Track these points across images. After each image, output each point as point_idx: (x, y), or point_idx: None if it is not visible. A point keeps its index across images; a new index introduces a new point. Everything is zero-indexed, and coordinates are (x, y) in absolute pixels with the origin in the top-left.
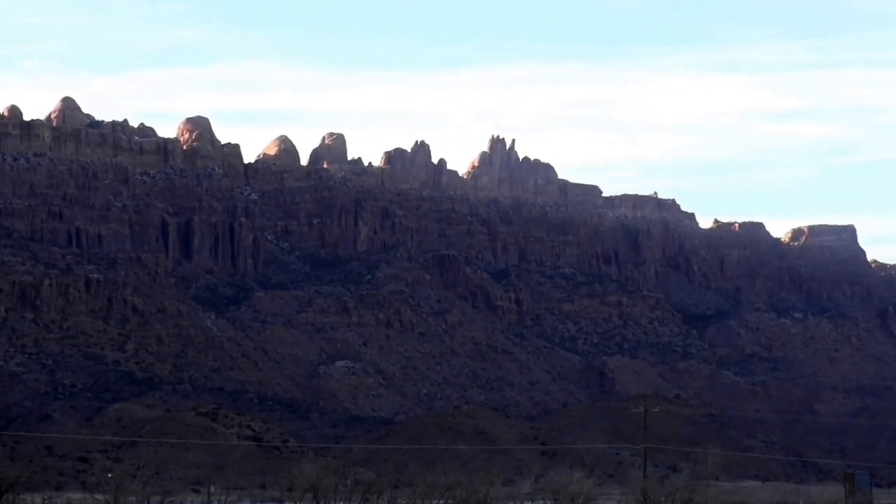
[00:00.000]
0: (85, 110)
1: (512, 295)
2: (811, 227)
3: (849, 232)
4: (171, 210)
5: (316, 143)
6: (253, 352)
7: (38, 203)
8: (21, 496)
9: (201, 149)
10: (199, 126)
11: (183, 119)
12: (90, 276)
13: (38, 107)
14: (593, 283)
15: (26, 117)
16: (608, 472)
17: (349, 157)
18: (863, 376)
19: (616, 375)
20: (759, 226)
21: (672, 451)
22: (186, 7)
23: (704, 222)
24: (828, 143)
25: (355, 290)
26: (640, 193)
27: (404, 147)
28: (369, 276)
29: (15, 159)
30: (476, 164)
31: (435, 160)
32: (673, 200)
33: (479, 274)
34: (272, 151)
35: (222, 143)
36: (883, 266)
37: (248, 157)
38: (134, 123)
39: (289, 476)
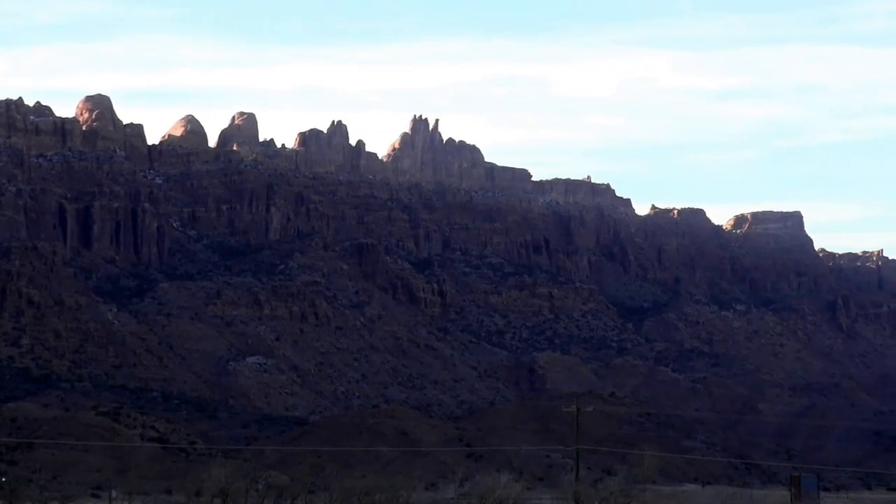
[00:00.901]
0: None
1: (435, 286)
2: (755, 214)
3: (795, 219)
4: (69, 195)
5: (225, 124)
6: (157, 347)
7: None
8: None
9: (102, 129)
10: (99, 105)
11: (82, 97)
12: None
13: None
14: (522, 274)
15: None
16: (538, 475)
17: (261, 139)
18: (810, 373)
19: (547, 372)
20: (700, 212)
21: (606, 453)
22: None
23: (641, 209)
24: (772, 125)
25: (267, 282)
26: (572, 178)
27: (320, 128)
28: (282, 266)
29: None
30: (397, 146)
31: (353, 142)
32: (607, 185)
33: (400, 264)
34: (178, 132)
35: (124, 123)
36: (831, 255)
37: (153, 138)
38: (29, 102)
39: (196, 480)
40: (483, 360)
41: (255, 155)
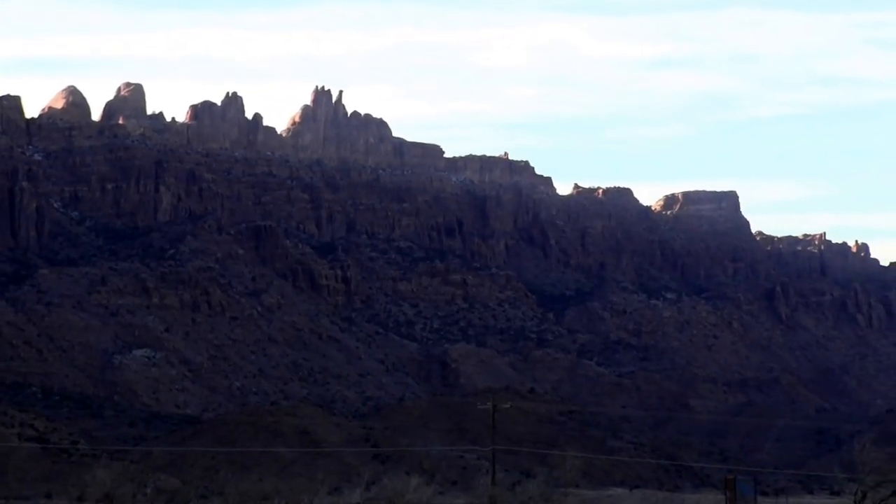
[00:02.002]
0: None
1: (339, 272)
2: (686, 194)
3: (730, 199)
4: None
5: (110, 96)
6: (37, 339)
7: None
8: None
9: None
10: None
11: None
12: None
13: None
14: (433, 259)
15: None
16: (451, 477)
17: (149, 112)
18: (746, 367)
19: (460, 366)
20: (627, 192)
21: (525, 454)
22: None
23: (563, 188)
24: (705, 97)
25: (156, 267)
26: (488, 154)
27: (213, 100)
28: (172, 251)
29: None
30: (297, 119)
31: (249, 115)
32: (526, 163)
33: (301, 248)
34: (59, 105)
35: (0, 94)
36: (770, 239)
37: (31, 111)
38: None
39: (79, 483)
40: (391, 352)
41: (142, 129)
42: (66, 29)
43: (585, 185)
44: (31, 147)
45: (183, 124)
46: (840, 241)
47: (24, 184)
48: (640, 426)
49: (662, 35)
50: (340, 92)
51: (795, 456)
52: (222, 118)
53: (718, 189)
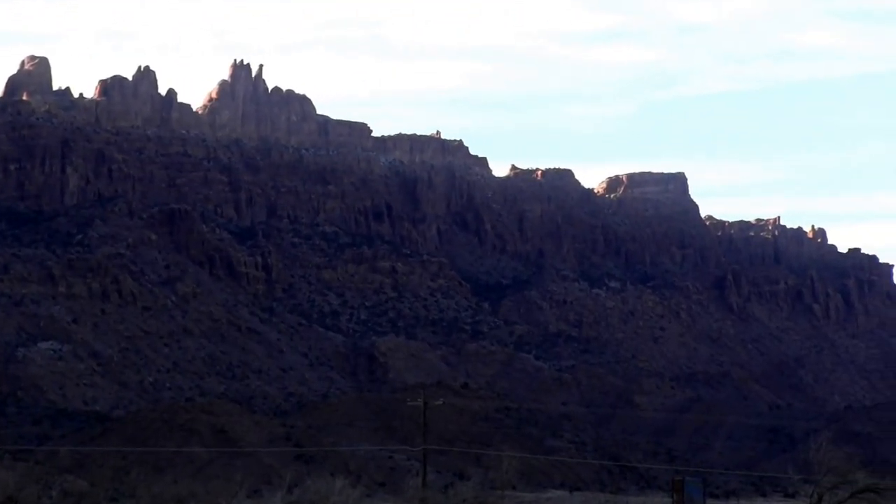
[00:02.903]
0: None
1: (259, 260)
2: (631, 176)
3: (677, 182)
4: None
5: (13, 70)
6: None
7: None
8: None
9: None
10: None
11: None
12: None
13: None
14: (361, 246)
15: None
16: (379, 479)
17: (55, 87)
18: (695, 361)
19: (389, 360)
20: (567, 174)
21: (458, 454)
22: None
23: (499, 169)
24: (651, 73)
25: (63, 254)
26: (418, 133)
27: (124, 75)
28: (80, 237)
29: None
30: (214, 95)
31: (163, 91)
32: (460, 142)
33: (218, 233)
34: None
35: None
36: (720, 224)
37: None
38: None
39: None
40: (315, 345)
41: (48, 106)
42: None
43: (523, 166)
44: None
45: (91, 101)
46: (795, 227)
47: None
48: (582, 424)
49: (604, 7)
50: (261, 66)
51: (747, 456)
52: (134, 94)
53: (665, 171)
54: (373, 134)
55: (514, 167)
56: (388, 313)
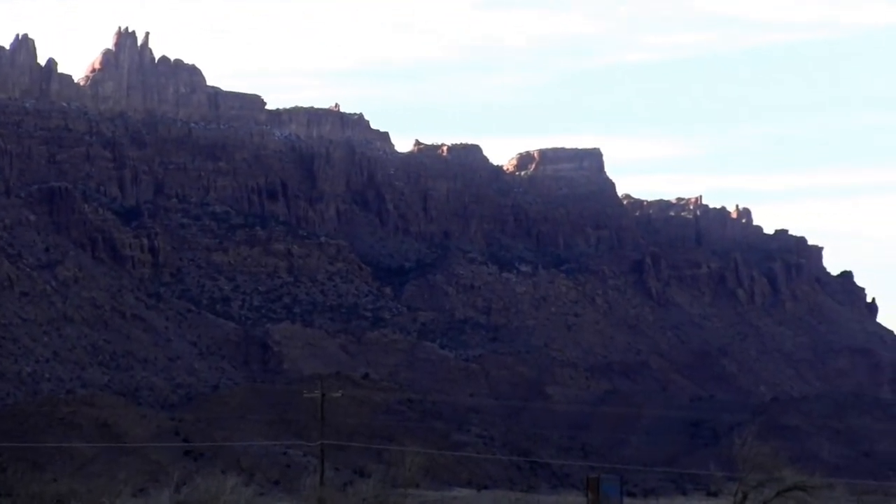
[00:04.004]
0: None
1: (145, 242)
2: (543, 152)
3: (593, 158)
4: None
5: None
6: None
7: None
8: None
9: None
10: None
11: None
12: None
13: None
14: (254, 226)
15: None
16: (273, 476)
17: None
18: (611, 350)
19: (284, 349)
20: (475, 149)
21: (358, 450)
22: None
23: (402, 144)
24: (563, 42)
25: None
26: (316, 106)
27: (0, 43)
28: None
29: None
30: (97, 66)
31: (41, 61)
32: (360, 116)
33: (102, 213)
34: None
35: None
36: (638, 203)
37: None
38: None
39: None
40: (205, 333)
41: None
42: None
43: (427, 141)
44: None
45: None
46: (718, 206)
47: None
48: (490, 418)
49: None
50: (147, 34)
51: (667, 451)
52: (10, 64)
53: (580, 146)
54: (267, 106)
55: (417, 142)
56: (283, 299)
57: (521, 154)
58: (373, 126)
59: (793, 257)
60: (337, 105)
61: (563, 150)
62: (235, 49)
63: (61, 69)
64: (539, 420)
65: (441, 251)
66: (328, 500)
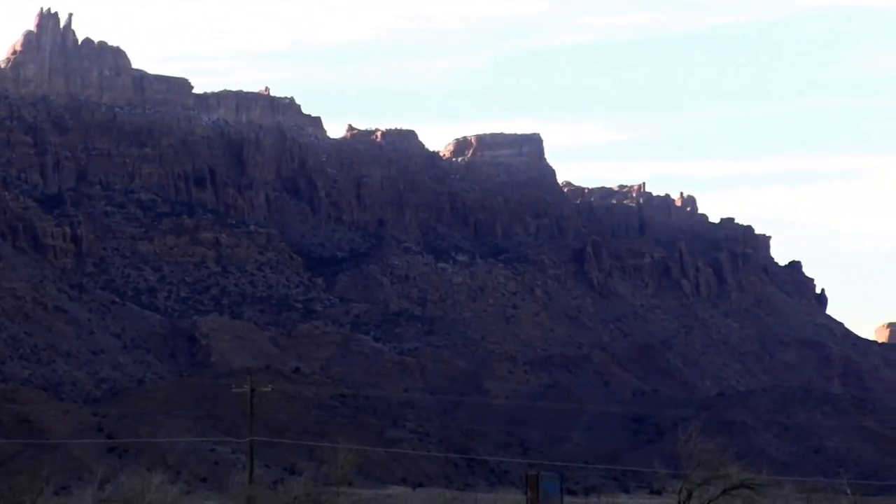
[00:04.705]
0: None
1: (67, 231)
2: (480, 138)
3: (532, 144)
4: None
5: None
6: None
7: None
8: None
9: None
10: None
11: None
12: None
13: None
14: (181, 215)
15: None
16: (200, 474)
17: None
18: (551, 343)
19: (212, 342)
20: (410, 135)
21: (289, 447)
22: None
23: (335, 130)
24: (501, 22)
25: None
26: (245, 90)
27: None
28: None
29: None
30: (18, 48)
31: None
32: (291, 100)
33: (22, 201)
34: None
35: None
36: (579, 191)
37: None
38: None
39: None
40: (130, 325)
41: None
42: None
43: (361, 126)
44: None
45: None
46: (662, 194)
47: None
48: (426, 413)
49: None
50: (70, 15)
51: (609, 448)
52: None
53: (518, 132)
54: (194, 91)
55: (351, 127)
56: (210, 290)
57: (457, 140)
58: (304, 111)
59: (739, 247)
60: (267, 89)
61: (501, 135)
62: (162, 31)
63: None
64: (476, 415)
65: (375, 240)
66: (257, 498)
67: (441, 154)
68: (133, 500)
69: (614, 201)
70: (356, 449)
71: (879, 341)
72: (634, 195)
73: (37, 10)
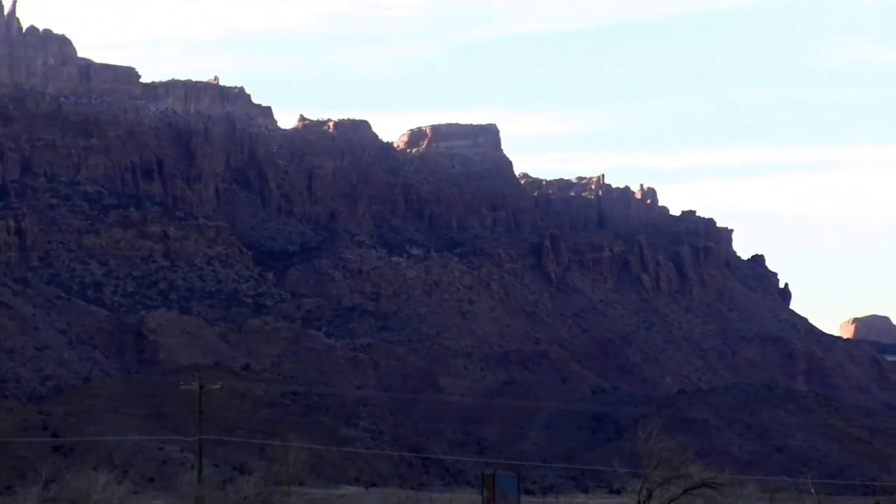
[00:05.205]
0: None
1: (11, 224)
2: (435, 128)
3: (488, 135)
4: None
5: None
6: None
7: None
8: None
9: None
10: None
11: None
12: None
13: None
14: (128, 207)
15: None
16: (148, 473)
17: None
18: (508, 339)
19: (159, 338)
20: (363, 125)
21: (239, 445)
22: None
23: (286, 120)
24: (456, 10)
25: None
26: (194, 79)
27: None
28: None
29: None
30: None
31: None
32: (241, 89)
33: None
34: None
35: None
36: (537, 182)
37: None
38: None
39: None
40: (75, 321)
41: None
42: None
43: (313, 116)
44: None
45: None
46: (622, 186)
47: None
48: (380, 411)
49: None
50: (14, 2)
51: (567, 446)
52: None
53: (474, 122)
54: (142, 80)
55: (302, 118)
56: (158, 284)
57: (412, 130)
58: (254, 100)
59: (701, 240)
60: (216, 78)
61: (456, 125)
62: (108, 18)
63: None
64: (431, 413)
65: (327, 234)
66: (206, 498)
67: (395, 145)
68: (79, 500)
69: (572, 193)
70: (308, 448)
71: (844, 337)
72: (593, 187)
73: None
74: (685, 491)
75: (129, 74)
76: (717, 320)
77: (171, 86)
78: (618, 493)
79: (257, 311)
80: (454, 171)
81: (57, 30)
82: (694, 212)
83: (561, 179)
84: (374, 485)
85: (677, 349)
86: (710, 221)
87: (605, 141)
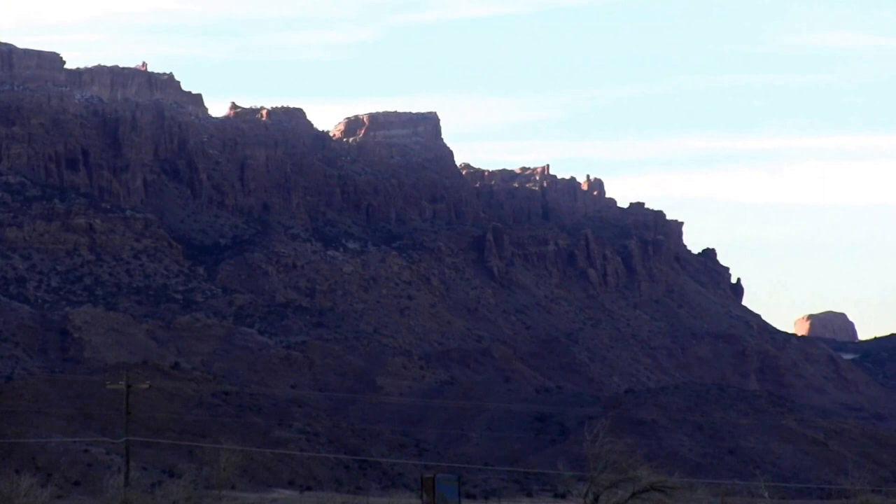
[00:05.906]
0: None
1: None
2: (373, 116)
3: (428, 123)
4: None
5: None
6: None
7: None
8: None
9: None
10: None
11: None
12: None
13: None
14: (52, 199)
15: None
16: (73, 477)
17: None
18: (449, 335)
19: (85, 335)
20: (298, 114)
21: (168, 447)
22: None
23: (217, 108)
24: None
25: None
26: (121, 65)
27: None
28: None
29: None
30: None
31: None
32: (170, 76)
33: None
34: None
35: None
36: (479, 173)
37: None
38: None
39: None
40: None
41: None
42: None
43: (245, 104)
44: None
45: None
46: (567, 177)
47: None
48: (315, 412)
49: None
50: None
51: (510, 449)
52: None
53: (414, 110)
54: (66, 66)
55: (234, 105)
56: (84, 280)
57: (348, 119)
58: (184, 87)
59: (650, 234)
60: (144, 64)
61: (394, 114)
62: (31, 1)
63: None
64: (369, 414)
65: (260, 227)
66: (134, 502)
67: (331, 134)
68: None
69: (516, 185)
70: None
71: (799, 335)
72: (538, 178)
73: None
74: (633, 495)
75: (54, 60)
76: (666, 317)
77: (97, 72)
78: (563, 496)
79: (187, 307)
80: (392, 161)
81: None
82: (642, 204)
83: (504, 170)
84: (309, 488)
85: (625, 347)
86: (660, 214)
87: (550, 130)
